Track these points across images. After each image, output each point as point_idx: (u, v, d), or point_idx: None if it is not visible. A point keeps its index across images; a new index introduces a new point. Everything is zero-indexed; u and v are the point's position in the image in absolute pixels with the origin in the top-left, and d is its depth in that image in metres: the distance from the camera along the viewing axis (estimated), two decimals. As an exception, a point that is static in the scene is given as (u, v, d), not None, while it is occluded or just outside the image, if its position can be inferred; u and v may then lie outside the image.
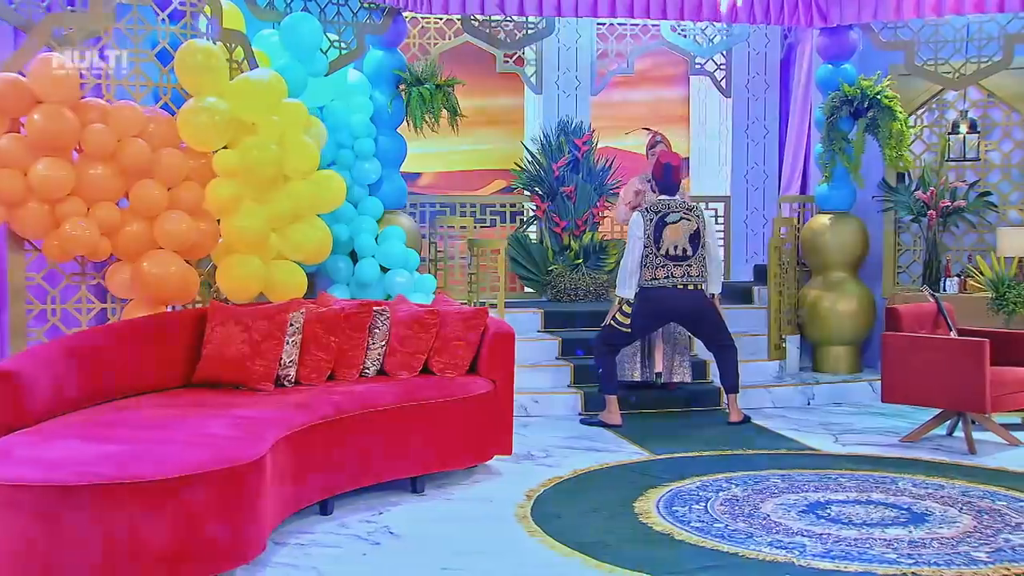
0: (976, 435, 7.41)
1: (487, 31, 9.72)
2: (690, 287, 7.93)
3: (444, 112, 8.90)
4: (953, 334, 7.51)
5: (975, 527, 5.35)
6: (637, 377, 8.64)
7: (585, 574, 4.69)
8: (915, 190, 9.67)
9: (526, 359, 9.10)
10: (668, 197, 8.08)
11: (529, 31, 9.78)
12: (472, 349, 6.61)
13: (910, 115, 9.88)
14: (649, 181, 8.64)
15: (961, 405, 7.20)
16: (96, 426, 4.80)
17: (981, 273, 8.58)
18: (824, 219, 9.79)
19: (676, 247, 7.91)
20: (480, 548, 5.07)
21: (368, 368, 6.49)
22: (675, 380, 8.70)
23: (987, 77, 9.23)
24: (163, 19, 6.40)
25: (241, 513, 4.41)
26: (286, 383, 6.09)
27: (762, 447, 7.29)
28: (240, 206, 6.28)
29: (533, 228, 11.07)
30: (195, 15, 6.56)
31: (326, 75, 8.17)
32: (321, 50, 8.18)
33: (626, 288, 8.00)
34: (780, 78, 11.59)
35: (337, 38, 8.34)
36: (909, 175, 9.94)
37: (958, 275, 9.38)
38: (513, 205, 11.15)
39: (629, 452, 7.21)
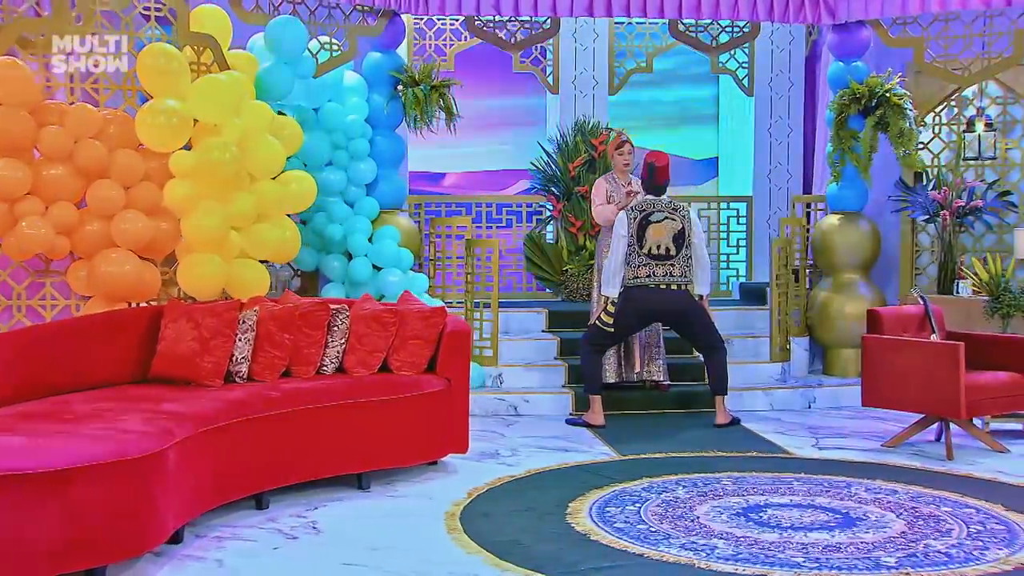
0: (967, 442, 7.24)
1: (492, 31, 9.74)
2: (673, 287, 7.87)
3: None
4: (935, 337, 7.32)
5: (902, 533, 5.23)
6: (612, 378, 8.59)
7: (481, 571, 4.70)
8: (931, 190, 9.44)
9: (523, 359, 9.17)
10: (654, 197, 8.03)
11: (534, 31, 9.78)
12: (430, 347, 6.65)
13: (928, 113, 9.67)
14: (614, 181, 8.63)
15: (937, 410, 7.02)
16: (15, 419, 4.94)
17: (977, 275, 8.32)
18: (833, 219, 9.61)
19: (659, 246, 7.86)
20: (392, 544, 5.11)
21: (326, 365, 6.57)
22: (651, 380, 8.62)
23: (999, 73, 8.96)
24: (126, 23, 6.56)
25: (134, 505, 4.49)
26: (238, 379, 6.19)
27: (734, 449, 7.20)
28: (198, 205, 6.41)
29: (551, 228, 11.06)
30: (161, 19, 6.71)
31: (315, 77, 8.29)
32: (311, 52, 8.32)
33: (610, 287, 7.98)
34: (805, 76, 11.39)
35: (328, 40, 8.46)
36: (927, 174, 9.70)
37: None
38: (530, 205, 11.15)
39: (597, 453, 7.19)
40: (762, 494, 6.01)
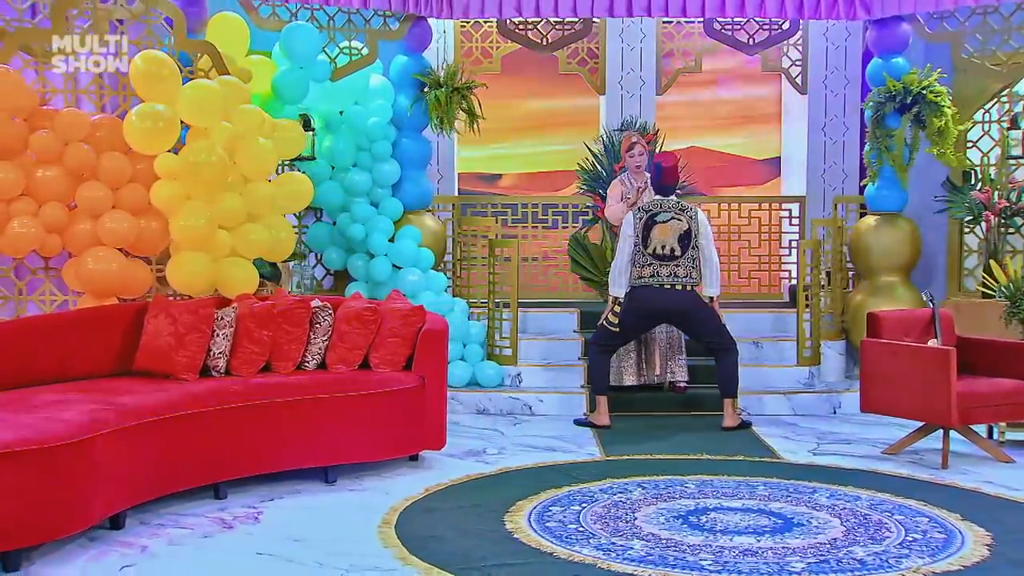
0: (974, 451, 7.03)
1: (524, 33, 9.80)
2: (677, 287, 7.80)
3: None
4: (933, 342, 7.07)
5: (833, 540, 5.11)
6: (633, 380, 8.56)
7: (384, 563, 4.78)
8: (975, 190, 9.11)
9: (545, 358, 9.21)
10: (662, 197, 7.98)
11: (566, 33, 9.80)
12: (408, 346, 6.76)
13: (977, 109, 9.33)
14: (629, 181, 8.59)
15: (929, 417, 6.79)
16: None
17: (995, 279, 7.96)
18: (870, 220, 9.36)
19: (664, 246, 7.80)
20: (318, 536, 5.23)
21: (308, 362, 6.74)
22: (671, 381, 8.56)
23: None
24: (123, 32, 6.85)
25: (49, 492, 4.70)
26: (215, 373, 6.42)
27: (725, 453, 7.10)
28: (185, 205, 6.65)
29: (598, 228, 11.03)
30: (155, 27, 6.98)
31: (333, 80, 8.49)
32: (329, 56, 8.52)
33: (616, 287, 7.97)
34: (862, 72, 11.08)
35: (348, 44, 8.65)
36: (976, 173, 9.37)
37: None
38: (575, 206, 11.15)
39: (584, 453, 7.18)
40: (719, 498, 5.93)
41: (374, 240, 8.78)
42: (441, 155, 10.99)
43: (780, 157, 12.23)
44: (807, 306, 9.13)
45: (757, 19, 9.63)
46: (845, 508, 5.71)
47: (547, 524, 5.38)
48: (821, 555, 4.87)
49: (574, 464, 6.83)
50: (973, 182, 9.30)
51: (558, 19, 9.51)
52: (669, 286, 7.80)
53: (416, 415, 6.61)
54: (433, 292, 8.82)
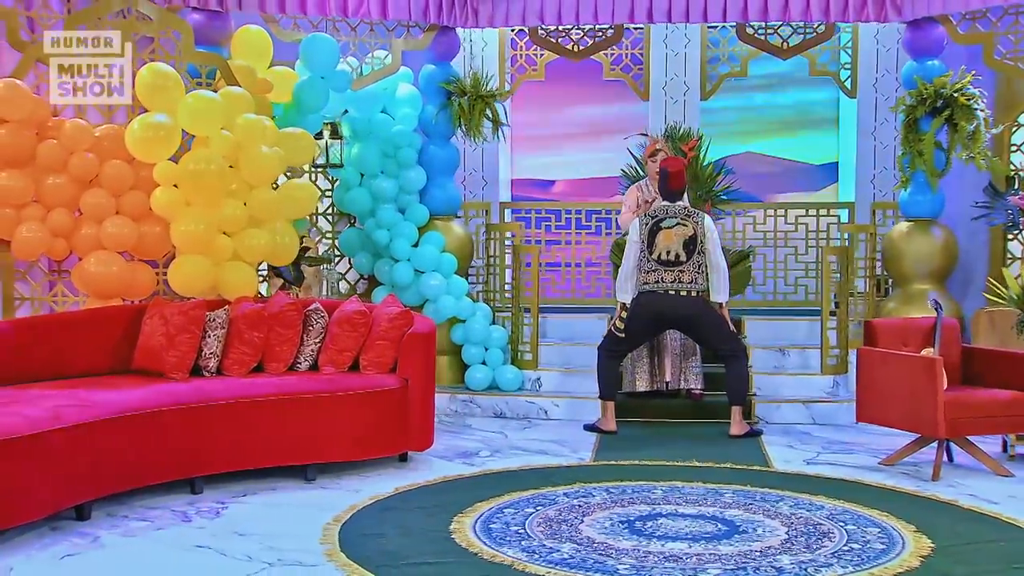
0: (977, 464, 6.88)
1: (555, 41, 9.88)
2: (682, 292, 7.78)
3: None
4: (928, 351, 6.90)
5: (766, 548, 5.07)
6: (644, 387, 8.54)
7: (307, 559, 4.91)
8: (1012, 195, 8.85)
9: (568, 363, 9.25)
10: (668, 203, 7.98)
11: (597, 39, 9.85)
12: (395, 348, 6.91)
13: (1021, 112, 9.07)
14: (647, 188, 8.58)
15: (918, 427, 6.65)
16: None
17: (1006, 287, 7.68)
18: (903, 227, 9.16)
19: (668, 252, 7.80)
20: (263, 532, 5.34)
21: (301, 363, 6.96)
22: (686, 388, 8.52)
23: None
24: (132, 44, 7.18)
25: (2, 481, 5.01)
26: (206, 373, 6.68)
27: (716, 460, 7.03)
28: (184, 212, 6.93)
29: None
30: (165, 41, 7.28)
31: (354, 89, 8.70)
32: (351, 67, 8.75)
33: (622, 292, 7.99)
34: (912, 76, 10.83)
35: (371, 55, 8.86)
36: (1020, 178, 9.09)
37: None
38: (619, 212, 11.13)
39: (574, 458, 7.23)
40: (678, 504, 5.92)
41: (396, 245, 8.97)
42: (487, 161, 11.15)
43: (837, 162, 12.05)
44: (832, 314, 8.97)
45: (790, 23, 9.51)
46: (801, 517, 5.64)
47: (491, 526, 5.45)
48: (743, 563, 4.83)
49: (558, 468, 6.88)
50: (1017, 187, 9.03)
51: (589, 26, 9.55)
52: (674, 291, 7.78)
53: (399, 416, 6.75)
54: (453, 297, 8.96)
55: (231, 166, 7.17)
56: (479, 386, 8.92)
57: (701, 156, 10.61)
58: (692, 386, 8.54)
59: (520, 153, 11.95)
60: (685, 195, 8.21)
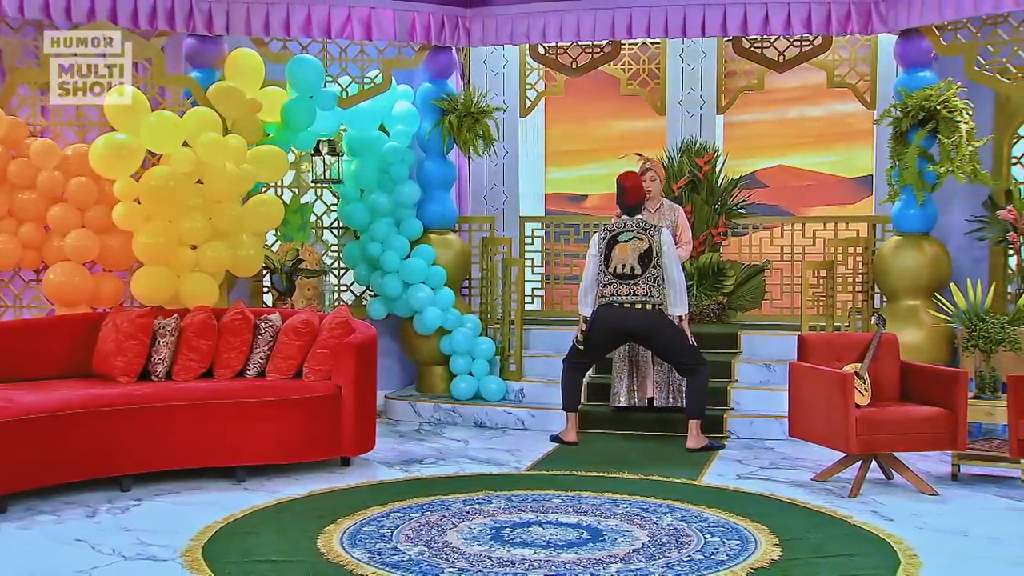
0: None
1: (554, 58, 10.06)
2: (637, 306, 7.86)
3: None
4: (852, 366, 6.81)
5: (609, 556, 5.19)
6: (623, 402, 8.61)
7: (161, 553, 5.24)
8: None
9: (548, 375, 9.33)
10: (627, 217, 8.08)
11: (595, 56, 9.99)
12: (334, 356, 7.21)
13: (1021, 125, 8.85)
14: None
15: (833, 443, 6.59)
16: None
17: (953, 304, 7.44)
18: (892, 241, 9.01)
19: (624, 265, 7.89)
20: (148, 528, 5.69)
21: (249, 370, 7.34)
22: (663, 404, 8.56)
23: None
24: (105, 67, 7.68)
25: None
26: (154, 378, 7.12)
27: (646, 472, 7.10)
28: (144, 225, 7.39)
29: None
30: (140, 65, 7.78)
31: (341, 108, 9.06)
32: (341, 86, 9.12)
33: (583, 306, 8.11)
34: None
35: (361, 75, 9.19)
36: (1021, 192, 8.84)
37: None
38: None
39: (509, 467, 7.40)
40: (564, 513, 6.03)
41: (386, 258, 9.28)
42: (506, 177, 11.38)
43: (872, 175, 11.83)
44: (821, 327, 8.88)
45: (785, 36, 9.47)
46: (672, 527, 5.71)
47: (364, 530, 5.67)
48: (569, 569, 4.96)
49: (483, 477, 7.06)
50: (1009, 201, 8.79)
51: (586, 43, 9.72)
52: (629, 304, 7.87)
53: (331, 422, 7.04)
54: (439, 308, 9.22)
55: (199, 181, 7.58)
56: (463, 396, 9.15)
57: (717, 170, 10.61)
58: (670, 403, 8.57)
59: (556, 168, 12.11)
60: (665, 205, 8.33)
